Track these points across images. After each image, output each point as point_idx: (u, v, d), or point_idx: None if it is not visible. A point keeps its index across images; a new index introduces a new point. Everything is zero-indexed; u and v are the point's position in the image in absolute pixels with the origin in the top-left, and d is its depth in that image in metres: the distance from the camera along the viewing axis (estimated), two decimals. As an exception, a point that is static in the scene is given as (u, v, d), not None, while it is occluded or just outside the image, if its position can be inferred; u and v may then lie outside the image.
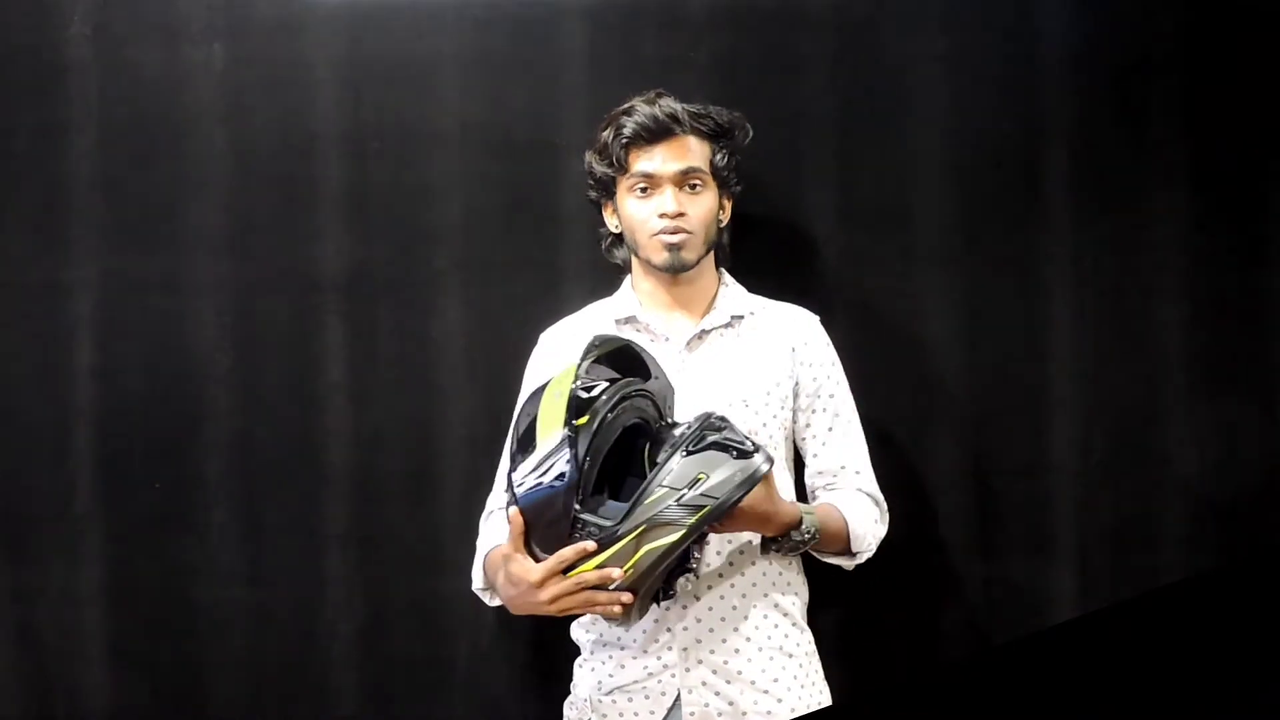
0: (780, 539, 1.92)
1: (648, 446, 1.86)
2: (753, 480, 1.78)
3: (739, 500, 1.77)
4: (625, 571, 1.77)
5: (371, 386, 2.36)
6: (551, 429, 1.78)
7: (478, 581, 2.06)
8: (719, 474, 1.76)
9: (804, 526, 1.90)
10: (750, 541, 1.99)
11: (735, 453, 1.78)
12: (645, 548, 1.75)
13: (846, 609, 2.28)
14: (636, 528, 1.75)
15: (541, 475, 1.78)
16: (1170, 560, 2.32)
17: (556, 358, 2.07)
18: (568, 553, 1.78)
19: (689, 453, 1.77)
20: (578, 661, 2.09)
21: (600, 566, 1.77)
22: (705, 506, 1.75)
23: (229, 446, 2.37)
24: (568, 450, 1.76)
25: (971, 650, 2.33)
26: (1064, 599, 2.32)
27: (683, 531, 1.75)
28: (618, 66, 2.32)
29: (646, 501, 1.75)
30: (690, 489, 1.75)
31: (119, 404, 2.38)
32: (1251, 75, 2.31)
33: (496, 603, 2.01)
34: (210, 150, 2.36)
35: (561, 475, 1.76)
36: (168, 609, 2.38)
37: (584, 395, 1.78)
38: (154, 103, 2.37)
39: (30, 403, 2.39)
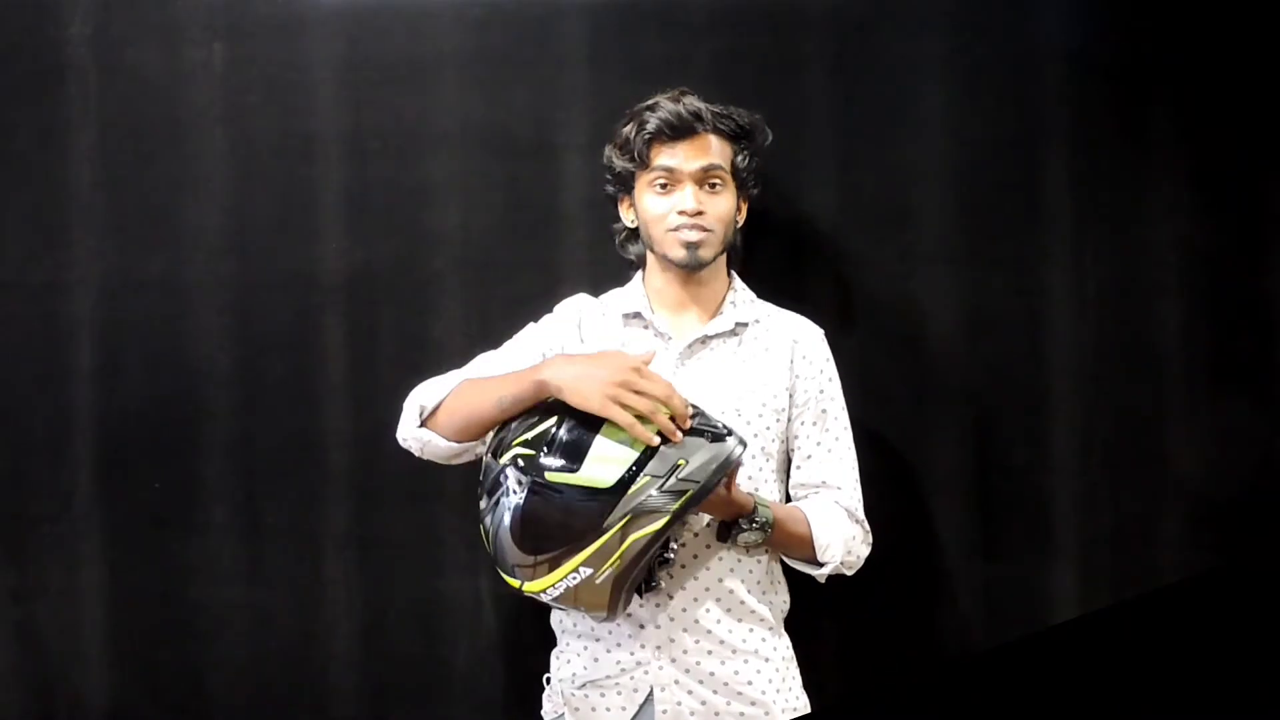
0: (732, 525, 1.93)
1: None
2: (729, 463, 1.82)
3: (718, 483, 1.82)
4: (612, 562, 1.80)
5: (371, 386, 2.36)
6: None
7: (426, 401, 1.99)
8: (697, 459, 1.81)
9: (756, 515, 1.91)
10: (727, 547, 1.99)
11: (710, 436, 1.83)
12: (631, 537, 1.79)
13: (846, 609, 2.27)
14: (623, 518, 1.78)
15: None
16: (1170, 560, 2.32)
17: (564, 332, 2.08)
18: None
19: (666, 441, 1.81)
20: (554, 652, 2.09)
21: (587, 561, 1.79)
22: (687, 491, 1.79)
23: (229, 446, 2.37)
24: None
25: (971, 650, 2.33)
26: (1064, 599, 2.32)
27: (667, 519, 1.79)
28: (618, 66, 2.32)
29: (630, 491, 1.78)
30: (671, 475, 1.79)
31: (119, 404, 2.37)
32: (1251, 75, 2.31)
33: (424, 434, 1.98)
34: (210, 150, 2.36)
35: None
36: (168, 609, 2.38)
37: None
38: (154, 103, 2.37)
39: (30, 403, 2.39)
